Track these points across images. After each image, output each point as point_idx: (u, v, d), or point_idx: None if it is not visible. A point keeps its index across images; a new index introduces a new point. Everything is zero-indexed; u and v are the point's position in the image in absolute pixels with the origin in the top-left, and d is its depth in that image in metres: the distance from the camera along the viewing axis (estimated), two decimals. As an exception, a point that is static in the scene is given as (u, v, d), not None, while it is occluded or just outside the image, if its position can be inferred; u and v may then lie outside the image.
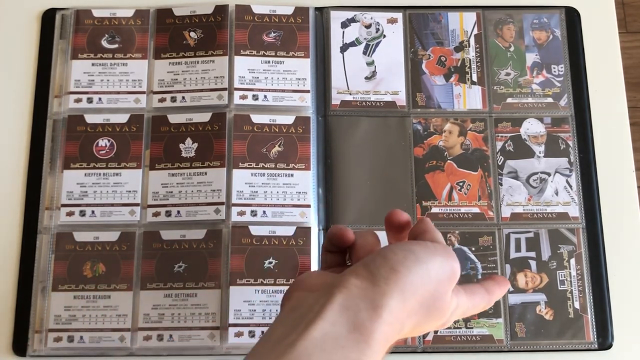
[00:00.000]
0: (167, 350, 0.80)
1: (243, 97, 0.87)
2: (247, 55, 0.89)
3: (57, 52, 0.89)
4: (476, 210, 0.85)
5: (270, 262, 0.81)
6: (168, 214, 0.83)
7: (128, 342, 0.80)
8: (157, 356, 0.80)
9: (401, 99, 0.89)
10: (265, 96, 0.87)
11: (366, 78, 0.89)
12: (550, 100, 0.89)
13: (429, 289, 0.54)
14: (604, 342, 0.81)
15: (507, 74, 0.90)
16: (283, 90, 0.88)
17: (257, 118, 0.86)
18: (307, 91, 0.88)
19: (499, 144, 0.87)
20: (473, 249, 0.83)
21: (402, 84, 0.89)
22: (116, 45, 0.89)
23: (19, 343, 0.80)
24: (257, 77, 0.88)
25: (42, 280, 0.81)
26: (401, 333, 0.54)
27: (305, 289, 0.56)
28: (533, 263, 0.83)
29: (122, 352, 0.80)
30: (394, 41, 0.91)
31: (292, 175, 0.84)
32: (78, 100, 0.87)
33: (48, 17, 0.91)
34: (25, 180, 0.85)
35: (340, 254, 0.64)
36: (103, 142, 0.85)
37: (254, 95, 0.87)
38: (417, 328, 0.56)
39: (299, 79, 0.88)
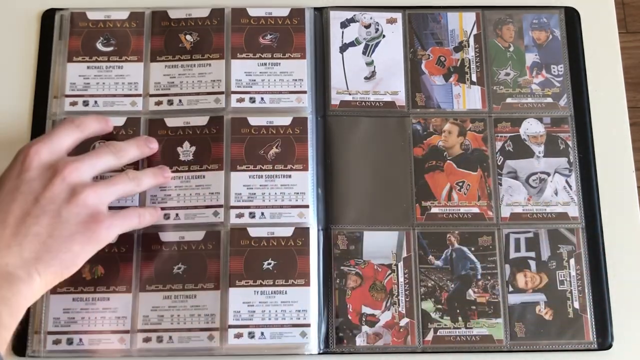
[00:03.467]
0: (167, 352, 0.83)
1: (240, 100, 0.91)
2: (243, 58, 0.93)
3: (56, 53, 0.93)
4: (476, 210, 0.89)
5: (269, 264, 0.85)
6: (167, 217, 0.87)
7: (127, 344, 0.83)
8: (156, 357, 0.83)
9: (400, 99, 0.93)
10: (262, 98, 0.91)
11: (365, 78, 0.94)
12: (549, 100, 0.93)
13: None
14: (604, 342, 0.85)
15: (507, 74, 0.94)
16: (280, 92, 0.92)
17: (254, 120, 0.90)
18: (304, 92, 0.92)
19: (499, 144, 0.91)
20: (473, 249, 0.87)
21: (402, 84, 0.93)
22: (111, 48, 0.93)
23: (18, 344, 0.83)
24: (254, 80, 0.92)
25: (41, 281, 0.85)
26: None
27: None
28: (532, 263, 0.87)
29: (122, 354, 0.83)
30: (394, 41, 0.96)
31: (289, 176, 0.88)
32: (74, 104, 0.91)
33: (48, 18, 0.94)
34: None
35: None
36: (100, 145, 0.90)
37: (250, 98, 0.91)
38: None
39: (296, 80, 0.92)
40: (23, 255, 0.72)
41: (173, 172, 0.89)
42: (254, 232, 0.87)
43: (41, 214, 0.74)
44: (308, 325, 0.84)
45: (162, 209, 0.88)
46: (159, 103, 0.91)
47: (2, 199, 0.75)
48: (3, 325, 0.69)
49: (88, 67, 0.93)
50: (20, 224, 0.73)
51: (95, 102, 0.91)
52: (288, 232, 0.86)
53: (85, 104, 0.91)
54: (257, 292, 0.85)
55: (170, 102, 0.92)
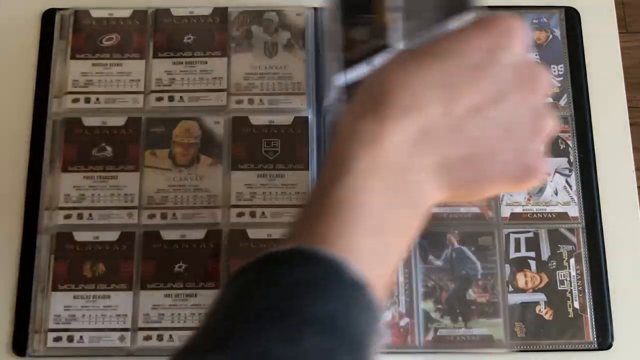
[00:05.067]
0: (167, 351, 0.80)
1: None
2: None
3: (57, 52, 0.92)
4: (476, 210, 0.89)
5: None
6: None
7: (128, 342, 0.83)
8: (157, 356, 0.83)
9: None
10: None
11: (366, 78, 0.94)
12: (549, 100, 0.92)
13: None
14: (604, 342, 0.84)
15: (507, 74, 0.94)
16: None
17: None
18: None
19: (499, 144, 0.91)
20: (473, 249, 0.86)
21: (402, 84, 0.93)
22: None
23: (19, 343, 0.83)
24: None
25: (42, 280, 0.84)
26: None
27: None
28: (533, 263, 0.86)
29: (122, 352, 0.83)
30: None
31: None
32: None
33: (48, 17, 0.94)
34: (25, 180, 0.88)
35: None
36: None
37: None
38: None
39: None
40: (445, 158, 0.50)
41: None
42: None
43: (494, 123, 0.50)
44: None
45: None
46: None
47: (458, 72, 0.50)
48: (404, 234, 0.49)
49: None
50: (467, 116, 0.49)
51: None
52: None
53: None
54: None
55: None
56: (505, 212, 0.88)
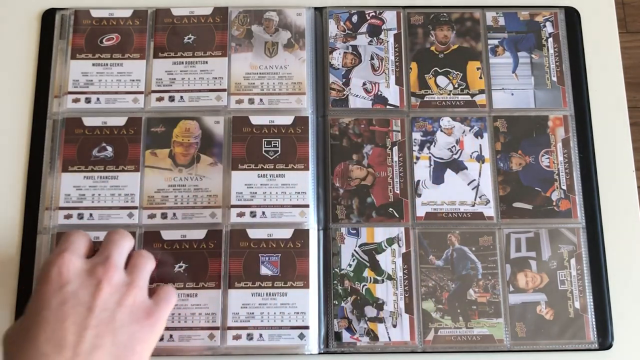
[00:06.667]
0: (167, 351, 0.82)
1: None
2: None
3: (57, 52, 0.92)
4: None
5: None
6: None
7: (128, 343, 0.83)
8: (156, 356, 0.81)
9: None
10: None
11: (366, 78, 0.92)
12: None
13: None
14: (604, 342, 0.83)
15: (507, 74, 0.93)
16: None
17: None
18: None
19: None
20: (473, 248, 0.86)
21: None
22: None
23: (19, 344, 0.83)
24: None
25: (42, 280, 0.84)
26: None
27: None
28: (533, 263, 0.85)
29: (122, 353, 0.83)
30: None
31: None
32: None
33: (48, 17, 0.93)
34: (25, 180, 0.87)
35: None
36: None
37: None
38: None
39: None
40: None
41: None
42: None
43: (98, 324, 0.70)
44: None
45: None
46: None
47: (52, 319, 0.69)
48: None
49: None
50: (80, 341, 0.68)
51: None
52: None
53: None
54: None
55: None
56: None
